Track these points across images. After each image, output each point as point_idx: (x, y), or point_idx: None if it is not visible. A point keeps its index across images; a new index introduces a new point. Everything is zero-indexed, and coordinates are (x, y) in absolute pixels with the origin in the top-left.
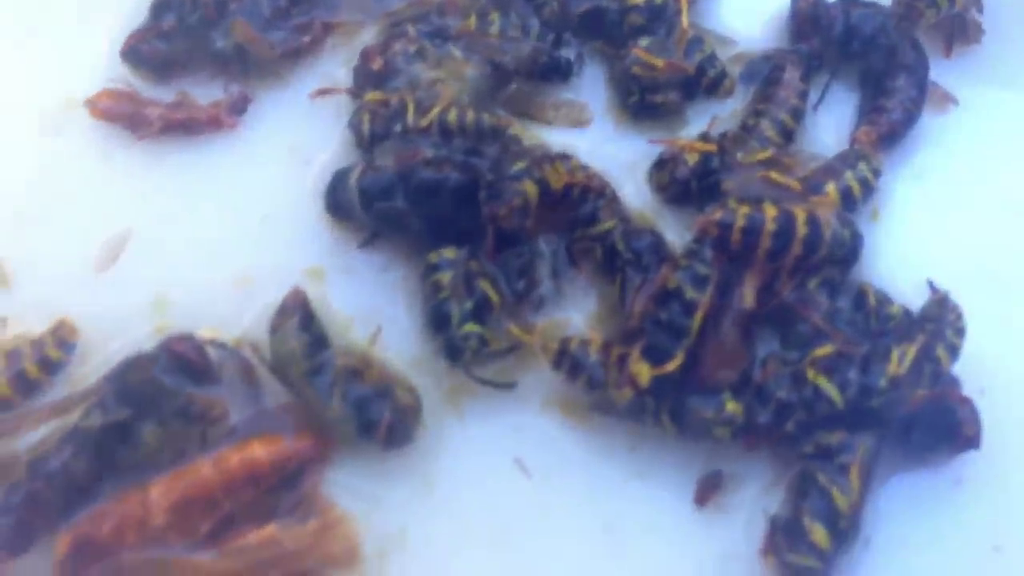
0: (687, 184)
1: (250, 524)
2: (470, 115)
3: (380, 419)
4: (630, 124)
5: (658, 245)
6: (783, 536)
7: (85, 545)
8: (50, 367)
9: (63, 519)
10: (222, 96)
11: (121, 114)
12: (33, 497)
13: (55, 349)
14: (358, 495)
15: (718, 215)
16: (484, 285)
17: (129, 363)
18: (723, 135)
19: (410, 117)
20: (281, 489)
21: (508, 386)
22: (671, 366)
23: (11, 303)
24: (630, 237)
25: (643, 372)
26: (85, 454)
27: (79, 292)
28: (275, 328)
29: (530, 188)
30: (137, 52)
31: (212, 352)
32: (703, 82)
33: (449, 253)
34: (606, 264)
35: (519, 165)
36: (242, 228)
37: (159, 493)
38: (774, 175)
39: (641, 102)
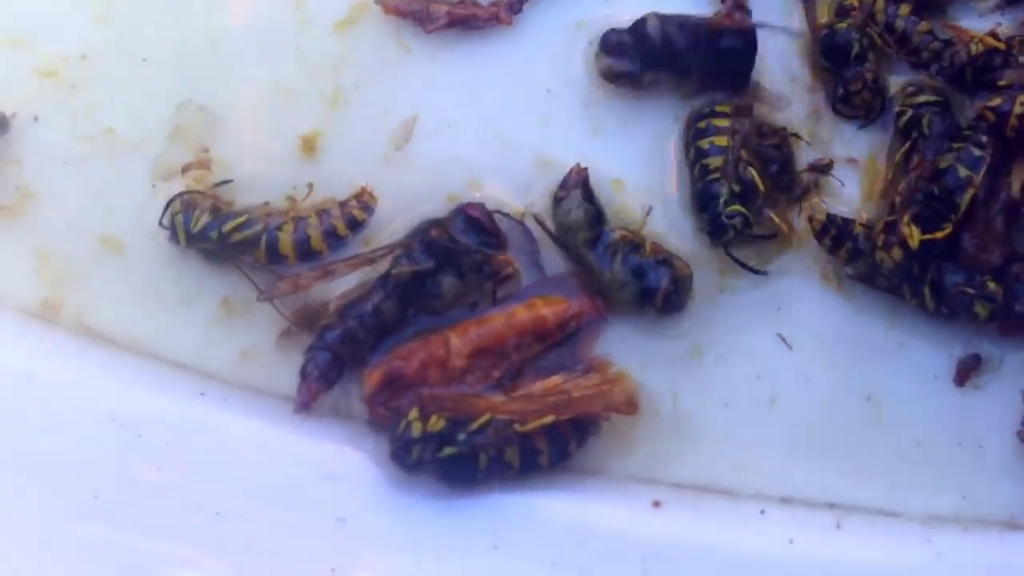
0: (962, 70)
1: (537, 375)
2: None
3: (658, 286)
4: None
5: (952, 128)
6: None
7: (394, 379)
8: (354, 226)
9: (371, 355)
10: None
11: (410, 10)
12: (348, 335)
13: (360, 210)
14: (632, 356)
15: (996, 102)
16: (752, 172)
17: (430, 222)
18: (1011, 38)
19: None
20: (563, 345)
21: (762, 272)
22: (940, 234)
23: (318, 172)
24: (938, 115)
25: (914, 234)
26: (394, 299)
27: (376, 166)
28: (559, 200)
29: None
30: None
31: (500, 219)
32: None
33: (720, 122)
34: (900, 133)
35: None
36: (525, 106)
37: (459, 339)
38: None
39: None
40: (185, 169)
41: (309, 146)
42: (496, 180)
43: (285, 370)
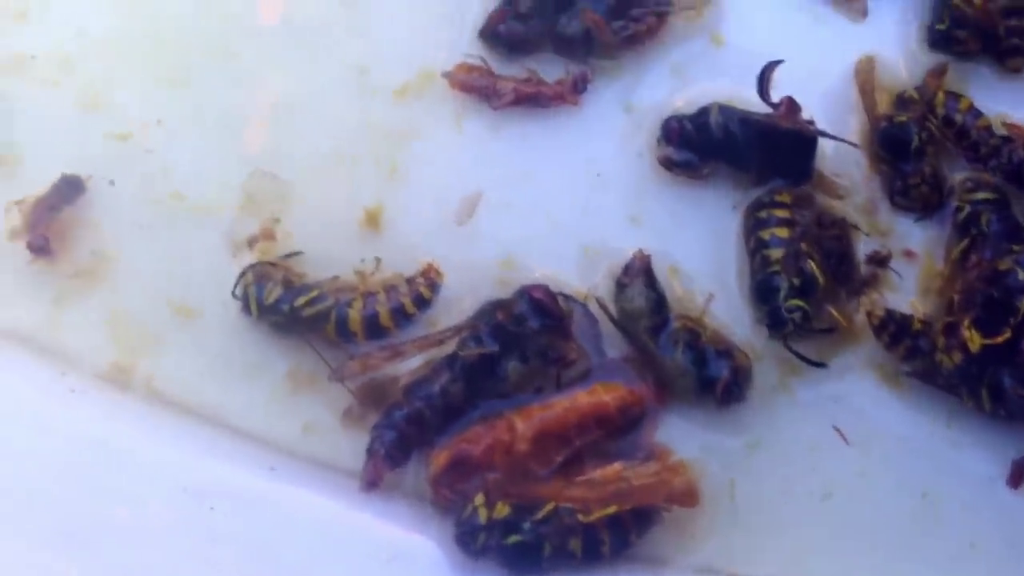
0: (1019, 168)
1: (596, 461)
2: None
3: (719, 376)
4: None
5: (1012, 227)
6: None
7: (461, 461)
8: (422, 304)
9: (437, 437)
10: (564, 74)
11: (476, 86)
12: (415, 415)
13: (426, 288)
14: (690, 445)
15: None
16: (812, 265)
17: (495, 304)
18: None
19: None
20: (623, 433)
21: (821, 364)
22: (1000, 338)
23: (381, 245)
24: (996, 212)
25: (974, 338)
26: (460, 381)
27: (439, 242)
28: (622, 286)
29: None
30: (496, 32)
31: (563, 302)
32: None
33: (780, 212)
34: (958, 229)
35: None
36: (585, 188)
37: (523, 423)
38: None
39: (945, 32)
40: (252, 241)
41: (372, 218)
42: (555, 263)
43: (348, 446)
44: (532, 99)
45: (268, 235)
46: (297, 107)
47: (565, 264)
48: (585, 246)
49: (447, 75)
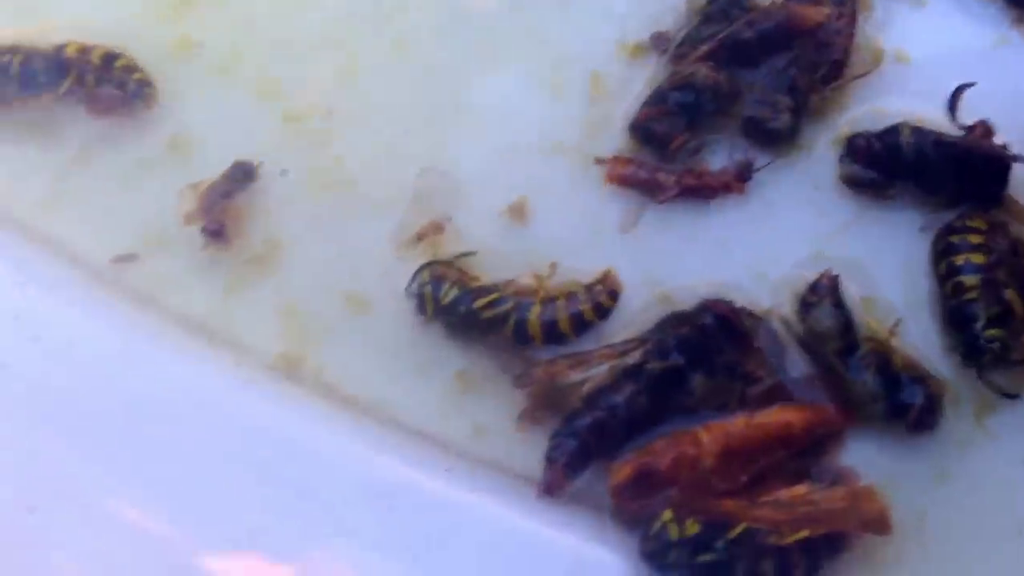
0: None
1: (780, 482)
2: None
3: (913, 403)
4: None
5: None
6: None
7: (645, 475)
8: (601, 312)
9: (616, 449)
10: (728, 163)
11: (637, 180)
12: (597, 424)
13: (607, 297)
14: (877, 472)
15: None
16: (1011, 295)
17: (677, 317)
18: None
19: None
20: (807, 454)
21: (1015, 396)
22: None
23: (545, 247)
24: None
25: None
26: (645, 393)
27: (611, 251)
28: (808, 305)
29: None
30: (647, 130)
31: (746, 319)
32: None
33: (974, 238)
34: None
35: None
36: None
37: (709, 438)
38: None
39: None
40: (420, 236)
41: (518, 211)
42: (742, 274)
43: (521, 450)
44: (698, 190)
45: (437, 230)
46: (472, 105)
47: (744, 281)
48: (758, 271)
49: (603, 167)
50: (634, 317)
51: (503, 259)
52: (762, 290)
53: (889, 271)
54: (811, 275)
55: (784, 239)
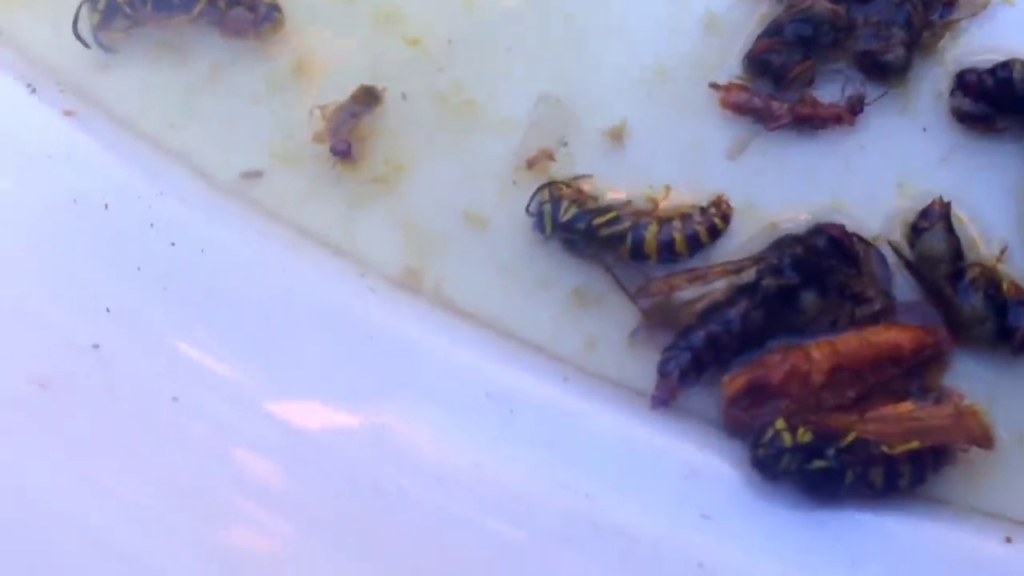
0: None
1: (887, 399)
2: None
3: (1019, 326)
4: None
5: None
6: None
7: (757, 387)
8: (714, 234)
9: (728, 363)
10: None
11: (751, 107)
12: (711, 338)
13: (720, 220)
14: (980, 391)
15: None
16: None
17: (792, 238)
18: None
19: None
20: (914, 373)
21: None
22: None
23: (653, 169)
24: None
25: None
26: (760, 309)
27: (723, 177)
28: (919, 230)
29: None
30: (764, 61)
31: (857, 243)
32: None
33: None
34: None
35: None
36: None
37: (820, 354)
38: None
39: None
40: (531, 163)
41: (616, 134)
42: (848, 201)
43: (633, 365)
44: (809, 120)
45: (548, 155)
46: (593, 38)
47: (859, 203)
48: (884, 187)
49: (718, 92)
50: (740, 241)
51: (613, 182)
52: (872, 217)
53: (995, 201)
54: (920, 202)
55: (891, 169)
